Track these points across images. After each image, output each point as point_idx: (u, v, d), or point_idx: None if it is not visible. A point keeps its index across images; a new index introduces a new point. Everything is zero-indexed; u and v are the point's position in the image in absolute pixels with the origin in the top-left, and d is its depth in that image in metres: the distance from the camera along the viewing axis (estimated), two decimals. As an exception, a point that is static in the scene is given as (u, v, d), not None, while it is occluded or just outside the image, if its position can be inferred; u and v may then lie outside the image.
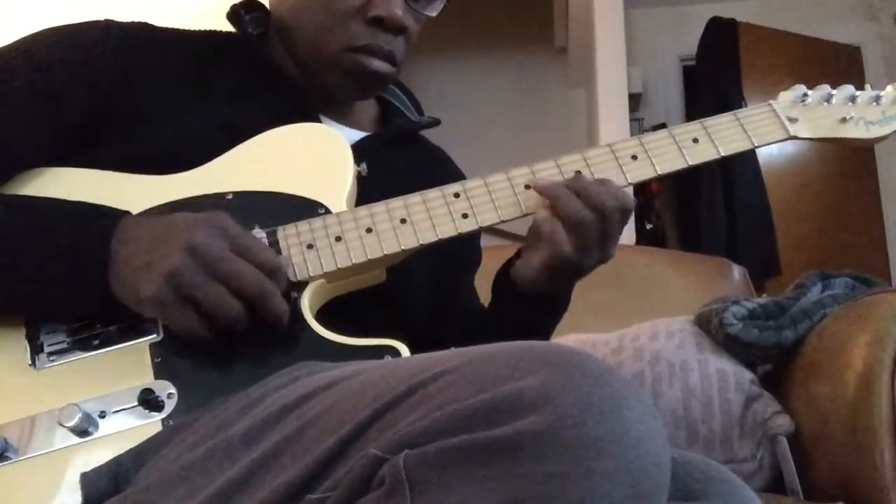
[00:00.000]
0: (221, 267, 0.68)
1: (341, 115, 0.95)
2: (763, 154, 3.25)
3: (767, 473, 1.24)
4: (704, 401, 1.29)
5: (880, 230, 3.46)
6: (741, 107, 0.90)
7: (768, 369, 1.39)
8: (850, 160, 3.45)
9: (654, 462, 0.49)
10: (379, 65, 0.88)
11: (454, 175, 1.05)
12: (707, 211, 3.15)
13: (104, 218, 0.72)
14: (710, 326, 1.38)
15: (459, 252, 0.98)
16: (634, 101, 3.58)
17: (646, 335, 1.43)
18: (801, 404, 1.26)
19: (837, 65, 3.52)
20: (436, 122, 1.03)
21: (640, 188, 3.19)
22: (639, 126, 3.63)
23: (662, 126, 0.88)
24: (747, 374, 1.32)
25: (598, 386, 0.49)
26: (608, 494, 0.47)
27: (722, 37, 3.47)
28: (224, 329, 0.70)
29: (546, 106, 4.17)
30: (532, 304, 0.87)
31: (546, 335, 0.96)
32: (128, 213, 0.73)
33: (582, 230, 0.79)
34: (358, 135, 0.94)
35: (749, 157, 3.10)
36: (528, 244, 0.83)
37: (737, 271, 1.83)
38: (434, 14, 0.92)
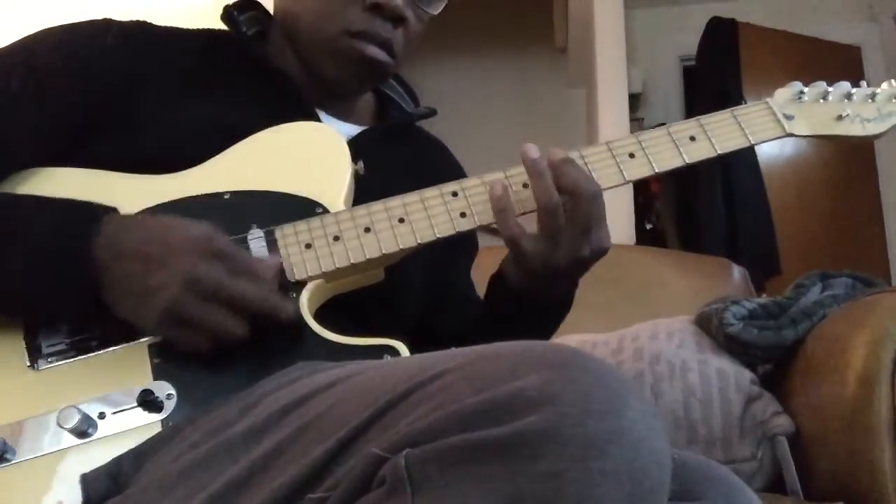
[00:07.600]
0: (223, 294, 0.69)
1: (339, 110, 0.95)
2: (763, 154, 3.24)
3: (767, 473, 1.24)
4: (704, 401, 1.29)
5: (880, 230, 3.45)
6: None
7: (768, 369, 1.39)
8: (850, 160, 3.44)
9: (655, 462, 0.49)
10: (376, 52, 0.88)
11: (451, 166, 1.05)
12: (707, 211, 3.14)
13: (86, 220, 0.71)
14: (710, 326, 1.38)
15: (453, 242, 0.98)
16: (634, 101, 3.57)
17: (646, 335, 1.43)
18: (801, 404, 1.26)
19: (837, 65, 3.51)
20: (432, 113, 1.03)
21: (641, 188, 3.18)
22: (639, 126, 3.62)
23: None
24: (747, 374, 1.32)
25: (599, 386, 0.49)
26: (608, 494, 0.47)
27: (722, 37, 3.46)
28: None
29: (546, 106, 4.16)
30: (521, 303, 0.86)
31: (541, 335, 0.91)
32: (113, 210, 0.72)
33: (546, 217, 0.77)
34: (356, 129, 0.94)
35: (749, 156, 3.09)
36: None
37: (737, 271, 1.83)
38: (435, 12, 0.93)
